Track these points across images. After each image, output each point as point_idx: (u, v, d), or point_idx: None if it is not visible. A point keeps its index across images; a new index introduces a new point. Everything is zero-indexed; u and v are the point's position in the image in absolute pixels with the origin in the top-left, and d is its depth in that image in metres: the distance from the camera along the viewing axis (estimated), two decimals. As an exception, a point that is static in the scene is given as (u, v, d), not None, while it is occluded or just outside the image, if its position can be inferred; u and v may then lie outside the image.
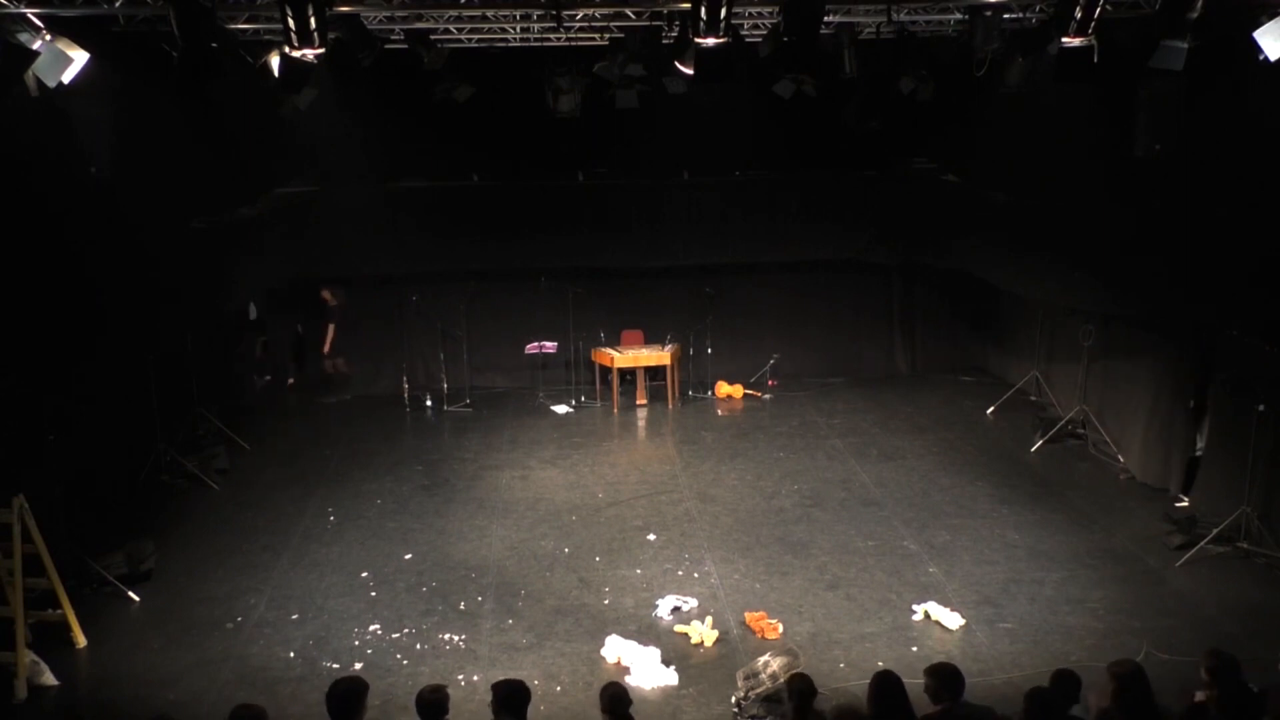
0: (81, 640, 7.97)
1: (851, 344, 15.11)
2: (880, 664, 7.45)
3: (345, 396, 14.37)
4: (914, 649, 7.87)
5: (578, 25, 9.60)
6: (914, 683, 5.53)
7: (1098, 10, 7.51)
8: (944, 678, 5.49)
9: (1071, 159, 10.70)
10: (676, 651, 7.85)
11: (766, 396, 14.37)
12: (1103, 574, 9.00)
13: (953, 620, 8.20)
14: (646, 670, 7.53)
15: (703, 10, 7.32)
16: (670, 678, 7.49)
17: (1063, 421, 12.09)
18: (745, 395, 14.42)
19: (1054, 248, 11.54)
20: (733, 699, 7.06)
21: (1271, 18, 7.28)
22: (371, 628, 8.26)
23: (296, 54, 7.40)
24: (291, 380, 14.80)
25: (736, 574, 9.12)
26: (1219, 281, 9.31)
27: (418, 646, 7.99)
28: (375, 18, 8.82)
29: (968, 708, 5.50)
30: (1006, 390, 13.53)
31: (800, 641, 7.85)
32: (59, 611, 7.91)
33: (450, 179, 14.12)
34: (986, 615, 8.33)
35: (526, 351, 14.09)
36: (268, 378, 14.76)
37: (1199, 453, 10.44)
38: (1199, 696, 5.70)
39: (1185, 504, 10.24)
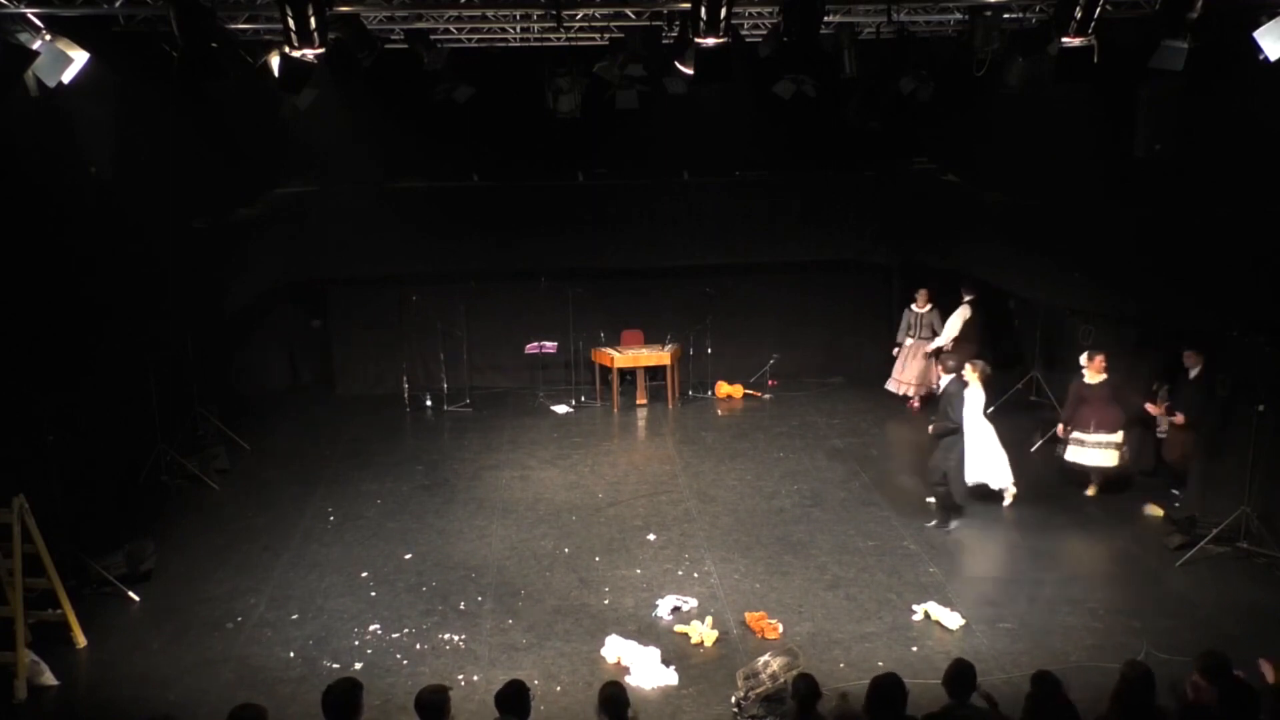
0: (81, 640, 7.97)
1: (852, 344, 15.11)
2: (880, 664, 7.47)
3: None
4: (914, 649, 7.88)
5: (578, 25, 9.60)
6: (913, 682, 5.53)
7: (1098, 10, 7.50)
8: (951, 676, 5.50)
9: (1071, 159, 10.71)
10: (676, 651, 7.85)
11: (766, 396, 14.37)
12: (1103, 574, 9.01)
13: (953, 620, 8.20)
14: (646, 670, 7.53)
15: (703, 10, 7.32)
16: (670, 678, 7.49)
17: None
18: (745, 395, 14.43)
19: (1054, 248, 11.54)
20: (733, 699, 7.06)
21: (1271, 18, 7.29)
22: (371, 628, 8.26)
23: (296, 54, 7.39)
24: None
25: (736, 574, 9.12)
26: (1219, 282, 9.31)
27: (418, 646, 7.99)
28: (375, 18, 8.82)
29: (971, 709, 5.49)
30: (1006, 390, 13.51)
31: (800, 641, 7.85)
32: (59, 611, 7.90)
33: (450, 179, 14.12)
34: (986, 615, 8.33)
35: (526, 351, 14.09)
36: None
37: (1162, 434, 10.59)
38: (1188, 688, 5.74)
39: (1176, 496, 10.31)
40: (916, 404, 13.53)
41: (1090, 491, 10.67)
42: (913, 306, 13.64)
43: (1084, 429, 10.47)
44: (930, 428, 10.00)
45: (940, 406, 9.89)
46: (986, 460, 10.29)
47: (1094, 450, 10.49)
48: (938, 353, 12.93)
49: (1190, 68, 7.73)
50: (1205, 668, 5.51)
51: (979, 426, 10.19)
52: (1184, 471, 10.23)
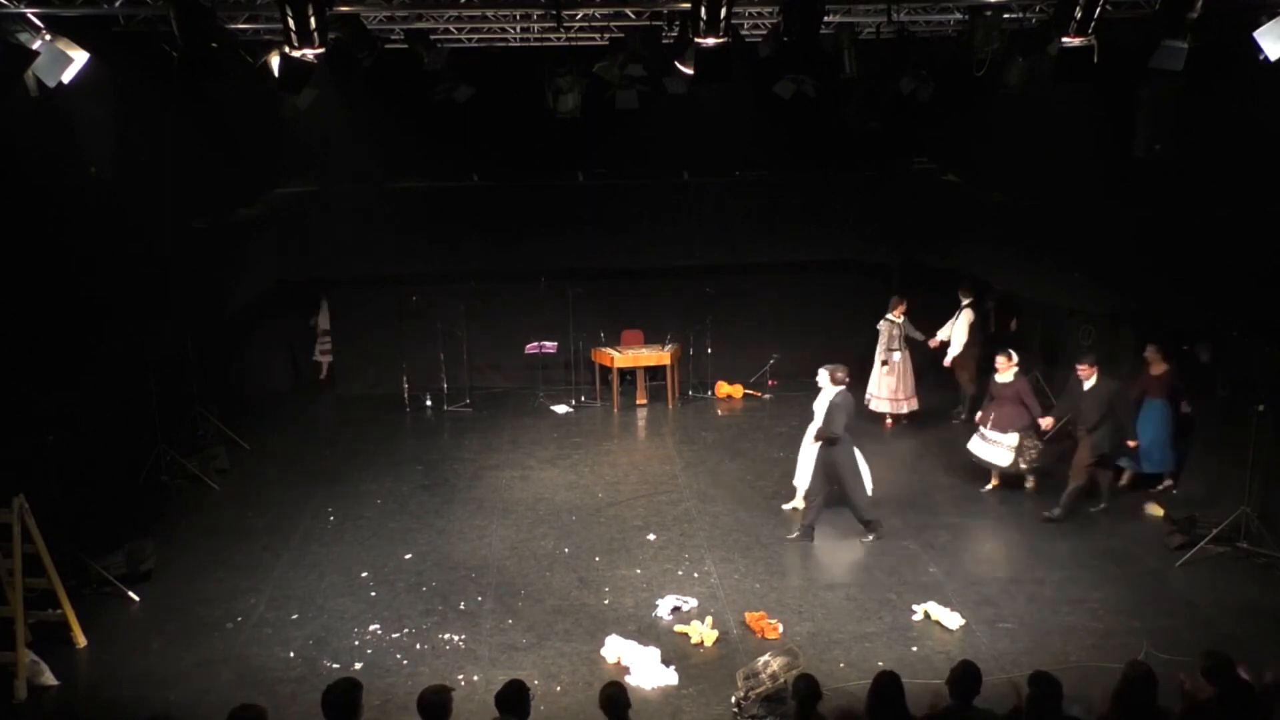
0: (81, 640, 7.96)
1: (852, 344, 15.08)
2: (880, 664, 7.45)
3: None
4: (914, 649, 7.88)
5: (578, 25, 9.60)
6: (913, 682, 5.53)
7: (1098, 10, 7.50)
8: (956, 678, 5.49)
9: (1071, 159, 10.71)
10: (676, 651, 7.84)
11: (766, 396, 14.38)
12: (1103, 574, 9.00)
13: (953, 620, 8.20)
14: (646, 670, 7.53)
15: (703, 10, 7.32)
16: (670, 678, 7.48)
17: (1062, 421, 12.06)
18: (745, 395, 14.43)
19: (1054, 248, 11.54)
20: (733, 699, 7.06)
21: (1271, 18, 7.29)
22: (371, 628, 8.26)
23: (296, 54, 7.39)
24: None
25: (736, 574, 9.12)
26: (1219, 282, 9.31)
27: (418, 646, 7.99)
28: (375, 18, 8.82)
29: (973, 711, 5.48)
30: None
31: (800, 641, 7.85)
32: (59, 611, 7.90)
33: (450, 179, 14.13)
34: (986, 615, 8.33)
35: (526, 351, 14.09)
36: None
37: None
38: (1185, 682, 5.75)
39: (1169, 485, 10.44)
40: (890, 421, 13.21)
41: (989, 486, 10.79)
42: (889, 317, 12.98)
43: (984, 424, 10.67)
44: (815, 431, 9.77)
45: (826, 416, 9.60)
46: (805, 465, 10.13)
47: (988, 446, 10.65)
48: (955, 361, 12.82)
49: (1190, 68, 7.73)
50: (1206, 668, 5.51)
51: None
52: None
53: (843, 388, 9.66)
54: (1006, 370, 10.57)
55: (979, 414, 10.89)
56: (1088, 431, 10.01)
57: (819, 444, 9.73)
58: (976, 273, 13.41)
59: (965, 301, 12.90)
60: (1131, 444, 10.05)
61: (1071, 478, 10.17)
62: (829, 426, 9.54)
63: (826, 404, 9.64)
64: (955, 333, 12.87)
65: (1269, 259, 8.54)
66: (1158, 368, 10.53)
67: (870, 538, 9.70)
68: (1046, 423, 10.43)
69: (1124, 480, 10.74)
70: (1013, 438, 10.50)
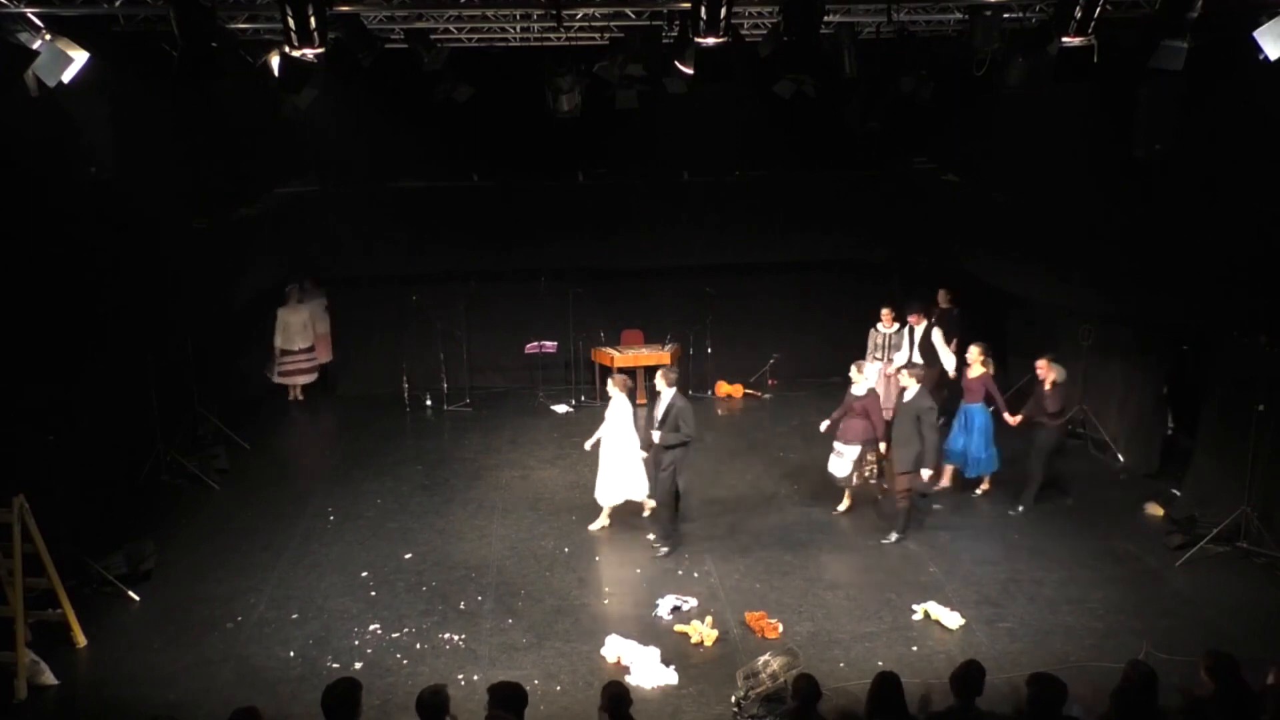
0: (81, 640, 7.97)
1: (851, 344, 15.07)
2: (880, 664, 7.46)
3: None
4: (914, 649, 7.88)
5: (578, 25, 9.61)
6: (913, 682, 5.53)
7: (1098, 10, 7.51)
8: (959, 677, 5.49)
9: (1071, 159, 10.70)
10: (676, 651, 7.85)
11: (766, 396, 14.38)
12: (1103, 574, 9.01)
13: (953, 620, 8.20)
14: (646, 670, 7.54)
15: (703, 10, 7.32)
16: (670, 677, 7.49)
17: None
18: (745, 395, 14.43)
19: (1053, 248, 11.53)
20: (733, 699, 7.07)
21: (1271, 18, 7.29)
22: (371, 628, 8.26)
23: (296, 54, 7.40)
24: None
25: (736, 574, 9.13)
26: (1219, 282, 9.30)
27: (418, 646, 7.99)
28: (375, 18, 8.82)
29: (975, 712, 5.49)
30: (1005, 391, 13.47)
31: (800, 641, 7.85)
32: (59, 611, 7.91)
33: (450, 179, 14.12)
34: (986, 615, 8.33)
35: (526, 351, 14.09)
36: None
37: (1170, 430, 10.74)
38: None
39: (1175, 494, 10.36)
40: None
41: (841, 508, 10.38)
42: (879, 327, 12.65)
43: (834, 436, 10.30)
44: (658, 437, 9.44)
45: (669, 419, 9.35)
46: (629, 474, 9.97)
47: (834, 459, 10.26)
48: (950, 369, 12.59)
49: (1190, 68, 7.73)
50: (1209, 667, 5.51)
51: (625, 439, 9.85)
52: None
53: (676, 390, 9.52)
54: (859, 382, 10.14)
55: (829, 425, 10.34)
56: (889, 445, 9.79)
57: (656, 450, 9.49)
58: (976, 272, 13.39)
59: (921, 323, 12.34)
60: (928, 475, 9.64)
61: (897, 501, 9.80)
62: (686, 429, 9.34)
63: (664, 408, 9.41)
64: (943, 356, 12.22)
65: (1269, 259, 8.54)
66: (976, 370, 10.46)
67: (664, 551, 9.52)
68: (885, 447, 10.03)
69: (949, 480, 10.76)
70: (855, 450, 10.09)
